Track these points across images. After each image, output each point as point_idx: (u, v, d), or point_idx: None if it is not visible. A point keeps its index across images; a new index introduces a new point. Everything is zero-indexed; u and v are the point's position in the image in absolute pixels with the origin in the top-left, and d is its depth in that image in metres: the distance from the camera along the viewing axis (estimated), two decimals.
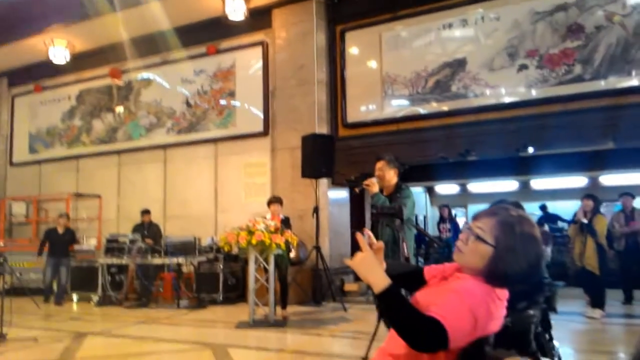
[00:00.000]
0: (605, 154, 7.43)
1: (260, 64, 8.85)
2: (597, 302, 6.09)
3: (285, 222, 6.44)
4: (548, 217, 11.04)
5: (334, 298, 7.38)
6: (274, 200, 6.61)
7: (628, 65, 6.26)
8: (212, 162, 9.24)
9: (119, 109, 10.46)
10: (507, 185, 12.37)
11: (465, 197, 13.77)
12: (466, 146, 7.23)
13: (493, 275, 1.51)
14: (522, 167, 8.89)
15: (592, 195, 6.42)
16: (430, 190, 14.28)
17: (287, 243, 5.84)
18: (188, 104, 9.64)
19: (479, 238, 1.53)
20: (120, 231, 9.54)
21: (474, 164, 8.62)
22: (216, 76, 9.36)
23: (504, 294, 1.58)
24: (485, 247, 1.52)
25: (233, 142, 9.04)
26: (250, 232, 5.67)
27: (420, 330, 1.39)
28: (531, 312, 2.02)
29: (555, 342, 2.93)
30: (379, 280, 1.45)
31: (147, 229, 8.50)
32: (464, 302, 1.45)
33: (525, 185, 12.24)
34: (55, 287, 8.28)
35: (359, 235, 1.62)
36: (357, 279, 8.54)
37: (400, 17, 7.78)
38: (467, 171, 10.03)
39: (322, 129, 8.13)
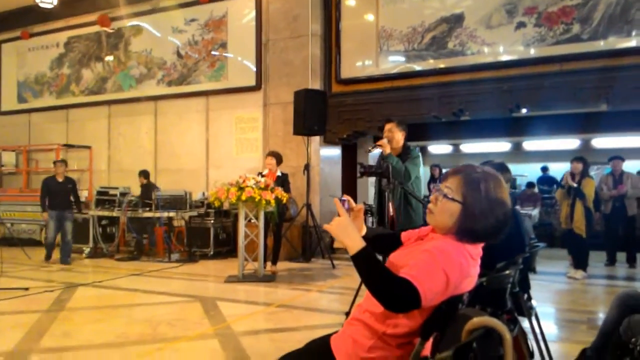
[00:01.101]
0: (598, 116, 7.43)
1: (253, 14, 8.60)
2: (580, 263, 6.21)
3: (283, 179, 6.43)
4: (545, 179, 11.11)
5: (323, 255, 7.49)
6: (270, 154, 6.57)
7: (627, 26, 6.13)
8: (204, 115, 9.13)
9: (109, 58, 10.22)
10: (500, 146, 12.36)
11: (457, 157, 13.75)
12: (460, 105, 7.16)
13: (463, 231, 1.54)
14: (515, 127, 8.88)
15: (582, 157, 6.41)
16: (423, 150, 14.26)
17: (277, 200, 5.85)
18: (179, 55, 9.42)
19: (446, 197, 1.56)
20: (111, 183, 9.54)
21: (467, 124, 8.60)
22: (208, 26, 9.11)
23: (477, 252, 1.60)
24: (454, 205, 1.55)
25: (225, 96, 8.90)
26: (241, 188, 5.67)
27: (392, 292, 1.43)
28: (507, 272, 2.05)
29: (533, 302, 3.00)
30: (353, 242, 1.48)
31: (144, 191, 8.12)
32: (436, 261, 1.47)
33: (517, 147, 12.24)
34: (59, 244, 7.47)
35: (336, 201, 1.63)
36: (334, 241, 8.65)
37: None
38: (460, 131, 10.00)
39: (316, 84, 8.00)
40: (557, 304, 5.07)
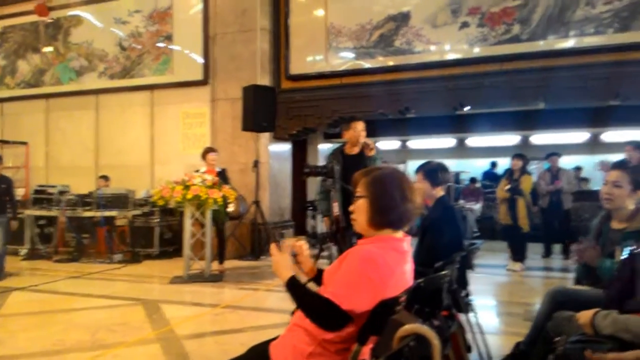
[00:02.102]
0: (536, 113, 7.74)
1: (200, 6, 8.37)
2: (519, 256, 6.47)
3: (222, 175, 6.31)
4: (489, 175, 11.49)
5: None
6: (212, 150, 6.43)
7: (564, 27, 6.40)
8: (148, 110, 8.84)
9: (47, 49, 9.72)
10: (445, 142, 12.70)
11: (405, 153, 14.03)
12: (406, 103, 7.28)
13: (376, 218, 1.70)
14: (459, 124, 9.13)
15: (521, 154, 6.68)
16: None
17: (224, 198, 5.75)
18: (122, 47, 9.08)
19: (357, 197, 1.73)
20: (49, 181, 9.10)
21: (414, 121, 8.75)
22: (152, 17, 8.82)
23: (400, 246, 1.71)
24: (363, 201, 1.71)
25: (171, 90, 8.64)
26: (186, 187, 5.53)
27: (319, 315, 1.58)
28: (444, 272, 2.09)
29: (471, 298, 3.08)
30: (284, 274, 1.71)
31: None
32: (355, 269, 1.57)
33: (461, 143, 12.61)
34: None
35: (272, 246, 1.80)
36: (296, 233, 8.64)
37: None
38: (408, 128, 10.18)
39: (265, 79, 7.91)
40: (496, 296, 5.26)
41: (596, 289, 2.44)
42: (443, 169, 3.00)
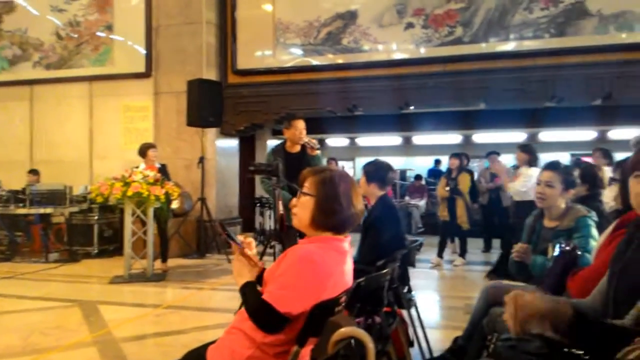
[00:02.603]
0: (477, 113, 8.01)
1: None
2: (461, 251, 6.69)
3: (162, 171, 6.13)
4: (434, 172, 11.79)
5: (219, 250, 7.31)
6: (152, 146, 6.22)
7: (503, 31, 6.65)
8: (87, 102, 8.45)
9: None
10: (393, 139, 12.94)
11: (353, 150, 14.18)
12: (354, 101, 7.34)
13: (319, 219, 1.70)
14: (405, 123, 9.33)
15: (458, 153, 6.88)
16: (320, 143, 14.48)
17: (167, 195, 5.59)
18: (59, 36, 8.62)
19: (303, 193, 1.72)
20: None
21: (363, 118, 8.86)
22: (92, 6, 8.43)
23: (340, 246, 1.72)
24: (309, 198, 1.71)
25: (111, 82, 8.29)
26: (127, 183, 5.32)
27: (257, 317, 1.57)
28: (385, 270, 2.12)
29: (413, 293, 3.15)
30: (240, 280, 1.71)
31: None
32: (292, 270, 1.57)
33: (408, 141, 12.89)
34: None
35: (235, 252, 1.78)
36: (244, 230, 8.54)
37: None
38: (356, 125, 10.30)
39: (211, 73, 7.75)
40: (438, 291, 5.41)
41: (530, 285, 2.54)
42: (389, 167, 3.04)
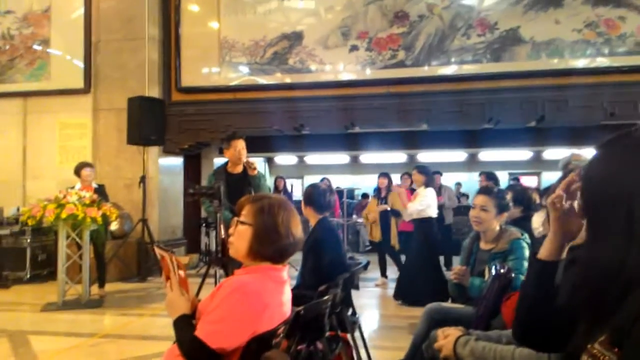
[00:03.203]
0: (421, 134, 8.23)
1: (81, 10, 7.81)
2: (382, 271, 6.67)
3: (100, 191, 5.89)
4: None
5: (161, 273, 7.04)
6: (89, 165, 5.96)
7: (443, 55, 6.91)
8: (20, 119, 8.01)
9: None
10: (340, 158, 13.06)
11: (302, 168, 14.21)
12: (301, 120, 7.37)
13: (257, 249, 1.66)
14: (352, 142, 9.43)
15: (386, 173, 6.98)
16: (269, 161, 14.44)
17: (104, 217, 5.35)
18: None
19: (240, 222, 1.68)
20: None
21: (310, 137, 8.88)
22: (27, 19, 8.06)
23: (278, 276, 1.69)
24: (246, 228, 1.66)
25: (47, 98, 7.91)
26: (60, 205, 5.06)
27: (189, 354, 1.52)
28: (325, 297, 2.10)
29: (357, 316, 3.15)
30: (176, 312, 1.65)
31: None
32: (229, 304, 1.52)
33: (355, 160, 13.07)
34: None
35: (166, 282, 1.73)
36: (188, 251, 8.31)
37: None
38: (304, 144, 10.32)
39: (153, 90, 7.57)
40: (383, 310, 5.44)
41: (469, 307, 2.59)
42: (330, 190, 3.04)
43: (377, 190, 6.95)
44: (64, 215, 5.00)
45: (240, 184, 4.26)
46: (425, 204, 5.59)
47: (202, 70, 7.65)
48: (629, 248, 0.93)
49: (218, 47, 7.51)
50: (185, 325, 1.60)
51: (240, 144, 4.39)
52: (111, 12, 7.64)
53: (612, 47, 6.53)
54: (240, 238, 1.68)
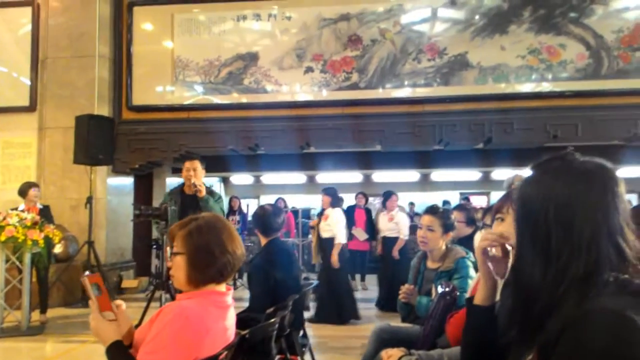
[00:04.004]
0: (375, 154, 8.37)
1: (29, 27, 7.57)
2: None
3: (45, 212, 5.64)
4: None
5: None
6: (34, 185, 5.72)
7: (395, 78, 7.08)
8: None
9: None
10: (297, 178, 13.07)
11: (258, 188, 14.12)
12: (256, 140, 7.34)
13: (195, 276, 1.61)
14: (308, 162, 9.46)
15: (328, 189, 6.99)
16: (225, 181, 14.28)
17: (47, 239, 5.12)
18: None
19: (173, 254, 1.63)
20: None
21: (266, 157, 8.87)
22: None
23: (221, 301, 1.65)
24: (180, 258, 1.61)
25: None
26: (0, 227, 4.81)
27: None
28: (272, 320, 2.07)
29: (307, 338, 3.12)
30: (104, 340, 1.57)
31: None
32: (168, 331, 1.46)
33: (311, 179, 13.11)
34: None
35: (92, 307, 1.64)
36: (138, 274, 8.04)
37: (195, 0, 7.47)
38: (260, 163, 10.29)
39: (103, 109, 7.37)
40: (335, 330, 5.41)
41: (416, 326, 2.61)
42: (274, 215, 3.02)
43: (321, 210, 6.90)
44: (3, 237, 4.76)
45: (194, 205, 4.19)
46: (331, 223, 5.95)
47: (154, 88, 7.52)
48: (548, 267, 0.96)
49: (171, 66, 7.42)
50: (118, 354, 1.53)
51: (191, 164, 4.29)
52: (60, 29, 7.44)
53: (554, 73, 6.87)
54: (177, 269, 1.63)
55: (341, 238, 5.84)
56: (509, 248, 1.24)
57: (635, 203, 8.05)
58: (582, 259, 0.95)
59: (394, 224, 6.69)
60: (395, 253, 6.51)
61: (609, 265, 0.95)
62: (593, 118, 6.79)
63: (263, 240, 2.99)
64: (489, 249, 1.27)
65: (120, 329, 1.64)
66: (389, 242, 6.68)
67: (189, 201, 4.26)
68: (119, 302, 1.70)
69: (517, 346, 1.04)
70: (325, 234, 6.03)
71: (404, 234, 6.62)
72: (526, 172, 1.11)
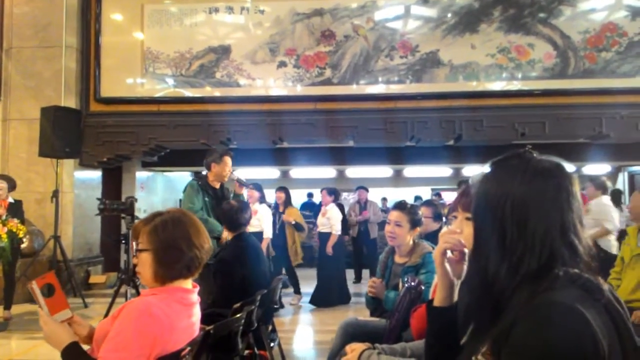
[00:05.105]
0: (348, 150, 8.39)
1: None
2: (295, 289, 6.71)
3: (15, 207, 5.49)
4: (308, 205, 12.01)
5: (75, 292, 6.65)
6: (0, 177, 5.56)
7: (368, 75, 7.11)
8: None
9: None
10: (270, 172, 12.99)
11: (231, 183, 13.97)
12: (227, 134, 7.27)
13: (162, 272, 1.59)
14: (281, 157, 9.42)
15: (284, 187, 7.07)
16: (196, 175, 14.10)
17: (11, 234, 4.97)
18: None
19: (139, 250, 1.61)
20: None
21: (240, 151, 8.76)
22: None
23: (186, 298, 1.63)
24: (146, 254, 1.59)
25: None
26: None
27: None
28: (238, 316, 2.06)
29: (277, 333, 3.12)
30: (57, 344, 1.54)
31: None
32: (131, 327, 1.45)
33: (285, 174, 13.06)
34: None
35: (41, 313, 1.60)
36: (106, 269, 7.90)
37: None
38: (234, 158, 10.16)
39: (70, 101, 7.18)
40: (307, 326, 5.44)
41: (383, 320, 2.64)
42: (238, 211, 3.00)
43: (275, 205, 6.95)
44: None
45: (220, 202, 4.16)
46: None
47: (123, 80, 7.36)
48: (502, 262, 0.98)
49: (141, 57, 7.28)
50: (76, 354, 1.50)
51: (230, 162, 4.32)
52: (25, 19, 7.21)
53: (522, 72, 7.01)
54: (143, 265, 1.61)
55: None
56: (466, 251, 1.27)
57: None
58: (535, 256, 0.97)
59: (326, 220, 6.79)
60: (329, 249, 6.57)
61: (561, 261, 0.98)
62: (560, 116, 6.95)
63: (229, 235, 2.97)
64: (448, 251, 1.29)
65: (79, 329, 1.61)
66: (323, 237, 6.78)
67: (219, 196, 4.26)
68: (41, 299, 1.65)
69: (471, 339, 1.07)
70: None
71: (335, 229, 6.66)
72: (485, 168, 1.13)
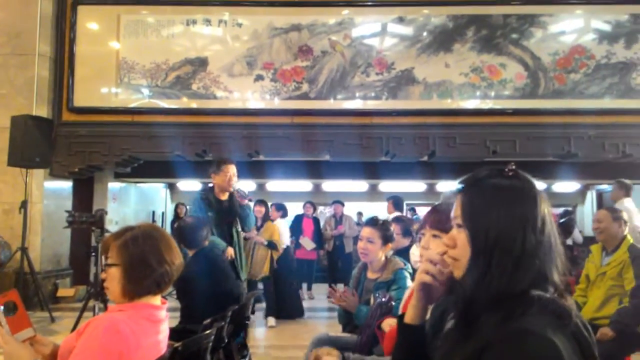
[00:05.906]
0: (324, 164, 8.43)
1: None
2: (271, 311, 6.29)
3: None
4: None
5: (42, 306, 6.46)
6: None
7: (344, 90, 7.19)
8: None
9: None
10: (247, 185, 12.93)
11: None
12: (203, 147, 7.23)
13: (131, 288, 1.57)
14: (258, 170, 9.39)
15: (263, 200, 7.05)
16: (171, 186, 13.93)
17: None
18: None
19: (107, 265, 1.58)
20: None
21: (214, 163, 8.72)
22: None
23: (154, 315, 1.61)
24: (114, 269, 1.57)
25: None
26: None
27: None
28: (207, 332, 2.04)
29: (248, 349, 3.09)
30: None
31: None
32: (96, 344, 1.42)
33: (261, 187, 13.01)
34: None
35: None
36: (75, 282, 7.71)
37: (143, 2, 7.31)
38: (208, 170, 10.08)
39: (42, 110, 7.04)
40: (281, 340, 5.39)
41: (354, 335, 2.65)
42: (197, 227, 2.98)
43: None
44: None
45: (231, 212, 4.02)
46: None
47: (97, 90, 7.27)
48: (481, 280, 1.01)
49: (116, 67, 7.20)
50: None
51: (232, 170, 4.10)
52: None
53: (495, 91, 7.19)
54: (112, 281, 1.58)
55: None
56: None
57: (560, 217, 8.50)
58: (512, 277, 0.99)
59: None
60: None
61: (536, 282, 1.00)
62: (530, 135, 7.13)
63: (190, 253, 2.95)
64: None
65: (42, 349, 1.57)
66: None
67: (226, 208, 4.06)
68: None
69: (443, 357, 1.08)
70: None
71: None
72: (467, 183, 1.12)
